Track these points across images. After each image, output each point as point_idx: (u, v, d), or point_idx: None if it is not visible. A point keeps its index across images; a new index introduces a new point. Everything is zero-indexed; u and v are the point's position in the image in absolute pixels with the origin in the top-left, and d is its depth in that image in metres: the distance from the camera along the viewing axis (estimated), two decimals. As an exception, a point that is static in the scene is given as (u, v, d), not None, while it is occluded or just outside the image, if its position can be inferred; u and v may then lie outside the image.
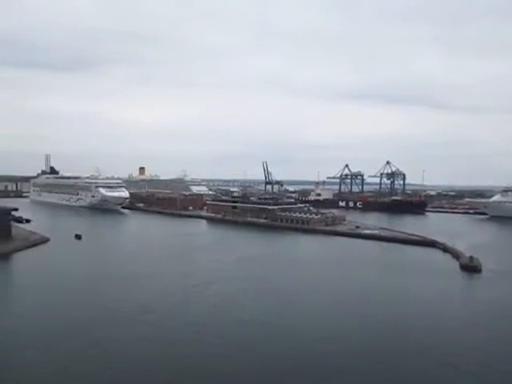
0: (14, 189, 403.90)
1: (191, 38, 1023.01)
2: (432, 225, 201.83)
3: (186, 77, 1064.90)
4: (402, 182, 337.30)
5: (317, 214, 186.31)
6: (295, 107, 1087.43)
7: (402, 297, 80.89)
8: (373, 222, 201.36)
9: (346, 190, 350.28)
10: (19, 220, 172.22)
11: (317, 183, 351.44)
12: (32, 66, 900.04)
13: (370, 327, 63.39)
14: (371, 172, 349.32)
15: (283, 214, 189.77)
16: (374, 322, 65.59)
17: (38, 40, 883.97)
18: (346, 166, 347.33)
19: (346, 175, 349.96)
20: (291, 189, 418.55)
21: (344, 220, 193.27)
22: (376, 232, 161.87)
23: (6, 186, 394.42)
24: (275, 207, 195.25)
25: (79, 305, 71.50)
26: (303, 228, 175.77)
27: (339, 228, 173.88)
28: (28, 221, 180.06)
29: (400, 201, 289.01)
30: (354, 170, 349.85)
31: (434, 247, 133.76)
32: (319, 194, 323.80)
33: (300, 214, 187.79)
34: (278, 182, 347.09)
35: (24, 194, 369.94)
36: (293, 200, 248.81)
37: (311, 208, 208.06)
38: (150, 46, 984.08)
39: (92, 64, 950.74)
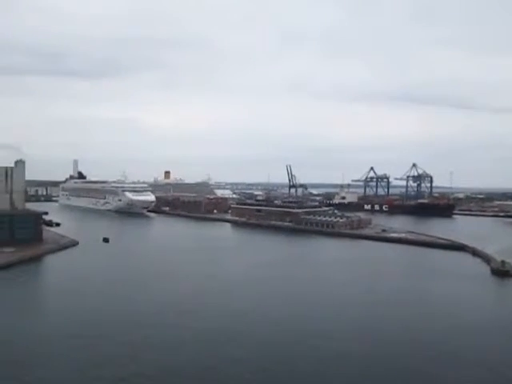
0: (44, 193, 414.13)
1: (216, 42, 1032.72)
2: (460, 228, 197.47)
3: (212, 81, 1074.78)
4: (428, 185, 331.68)
5: (342, 218, 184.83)
6: (319, 110, 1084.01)
7: (431, 302, 79.39)
8: (399, 225, 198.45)
9: (371, 192, 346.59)
10: (49, 223, 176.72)
11: (341, 186, 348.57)
12: (60, 73, 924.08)
13: (406, 332, 62.55)
14: (397, 174, 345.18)
15: (308, 217, 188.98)
16: (410, 326, 64.72)
17: (65, 48, 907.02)
18: (371, 168, 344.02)
19: (371, 178, 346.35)
20: (315, 192, 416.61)
21: (370, 223, 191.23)
22: (403, 235, 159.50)
23: (37, 191, 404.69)
24: (299, 210, 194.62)
25: (110, 304, 73.07)
26: (328, 231, 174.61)
27: (365, 231, 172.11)
28: (58, 224, 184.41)
29: (427, 204, 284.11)
30: (380, 172, 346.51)
31: (463, 251, 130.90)
32: (344, 197, 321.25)
33: (325, 217, 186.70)
34: (301, 185, 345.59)
35: (53, 199, 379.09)
36: (317, 203, 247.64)
37: (336, 211, 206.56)
38: (176, 52, 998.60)
39: (119, 71, 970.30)
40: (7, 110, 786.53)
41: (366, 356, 53.94)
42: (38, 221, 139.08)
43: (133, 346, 55.98)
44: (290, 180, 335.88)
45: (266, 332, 62.23)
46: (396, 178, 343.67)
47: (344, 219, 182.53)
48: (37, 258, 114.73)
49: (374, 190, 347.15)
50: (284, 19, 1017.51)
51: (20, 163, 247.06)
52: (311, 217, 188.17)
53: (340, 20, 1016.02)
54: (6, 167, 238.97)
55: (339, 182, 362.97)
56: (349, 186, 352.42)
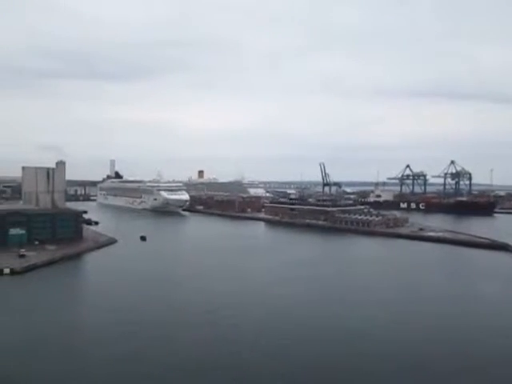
0: (83, 193, 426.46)
1: (245, 43, 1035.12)
2: (502, 227, 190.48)
3: (242, 81, 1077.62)
4: (467, 182, 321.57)
5: (377, 216, 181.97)
6: (353, 107, 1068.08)
7: (473, 304, 76.94)
8: (437, 224, 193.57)
9: (408, 190, 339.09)
10: (88, 222, 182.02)
11: (376, 184, 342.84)
12: (94, 77, 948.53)
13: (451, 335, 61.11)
14: (434, 172, 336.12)
15: (342, 215, 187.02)
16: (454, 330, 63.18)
17: (98, 53, 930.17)
18: (407, 166, 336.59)
19: (408, 176, 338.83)
20: (349, 190, 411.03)
21: (406, 222, 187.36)
22: (441, 234, 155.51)
23: (76, 191, 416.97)
24: (334, 209, 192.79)
25: (149, 301, 74.63)
26: (363, 230, 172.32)
27: (401, 230, 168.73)
28: (96, 223, 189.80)
29: (466, 202, 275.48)
30: (416, 170, 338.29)
31: (506, 251, 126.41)
32: (379, 196, 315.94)
33: (360, 215, 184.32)
34: (335, 184, 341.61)
35: (91, 198, 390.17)
36: (351, 201, 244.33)
37: (371, 209, 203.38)
38: (206, 53, 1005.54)
39: (150, 73, 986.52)
40: (47, 113, 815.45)
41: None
42: (78, 219, 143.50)
43: (166, 341, 57.05)
44: (323, 178, 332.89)
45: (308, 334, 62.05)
46: (433, 176, 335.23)
47: (379, 218, 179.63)
48: (78, 256, 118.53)
49: (410, 187, 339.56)
50: (310, 18, 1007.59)
51: (61, 164, 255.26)
52: (346, 215, 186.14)
53: (367, 17, 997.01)
54: (48, 168, 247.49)
55: (374, 180, 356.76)
56: (384, 184, 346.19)
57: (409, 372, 49.55)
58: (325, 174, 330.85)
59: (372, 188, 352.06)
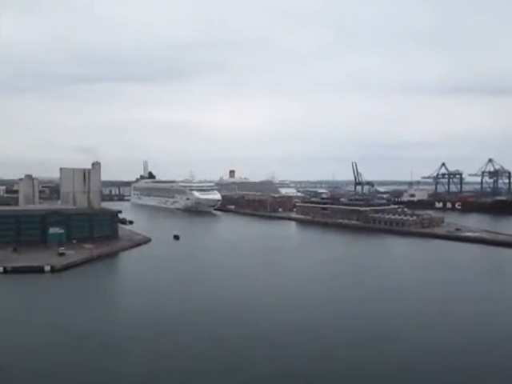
0: (117, 193, 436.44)
1: (275, 43, 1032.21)
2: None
3: (273, 81, 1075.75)
4: (506, 181, 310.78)
5: (412, 216, 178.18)
6: (384, 105, 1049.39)
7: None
8: (474, 224, 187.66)
9: (443, 190, 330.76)
10: (123, 221, 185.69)
11: (410, 183, 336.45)
12: (127, 80, 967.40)
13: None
14: (471, 171, 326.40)
15: (376, 215, 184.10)
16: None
17: (130, 56, 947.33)
18: (443, 164, 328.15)
19: (443, 174, 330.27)
20: (382, 189, 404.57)
21: (442, 222, 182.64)
22: (479, 235, 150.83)
23: (110, 191, 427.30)
24: (367, 208, 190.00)
25: (184, 299, 75.52)
26: (397, 230, 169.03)
27: (437, 230, 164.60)
28: (131, 222, 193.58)
29: (505, 201, 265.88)
30: (452, 168, 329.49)
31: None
32: (413, 195, 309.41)
33: (394, 215, 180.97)
34: (368, 183, 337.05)
35: (125, 198, 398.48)
36: (384, 201, 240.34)
37: (405, 209, 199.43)
38: (237, 53, 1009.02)
39: (182, 75, 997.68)
40: (82, 116, 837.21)
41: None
42: (113, 219, 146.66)
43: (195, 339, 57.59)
44: (355, 177, 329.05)
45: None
46: (470, 174, 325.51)
47: (414, 217, 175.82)
48: (114, 254, 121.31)
49: (446, 187, 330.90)
50: (337, 16, 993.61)
51: (96, 165, 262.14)
52: (379, 215, 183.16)
53: (394, 13, 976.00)
54: (84, 169, 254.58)
55: (407, 179, 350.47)
56: (418, 183, 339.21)
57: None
58: (357, 173, 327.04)
59: (405, 187, 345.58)
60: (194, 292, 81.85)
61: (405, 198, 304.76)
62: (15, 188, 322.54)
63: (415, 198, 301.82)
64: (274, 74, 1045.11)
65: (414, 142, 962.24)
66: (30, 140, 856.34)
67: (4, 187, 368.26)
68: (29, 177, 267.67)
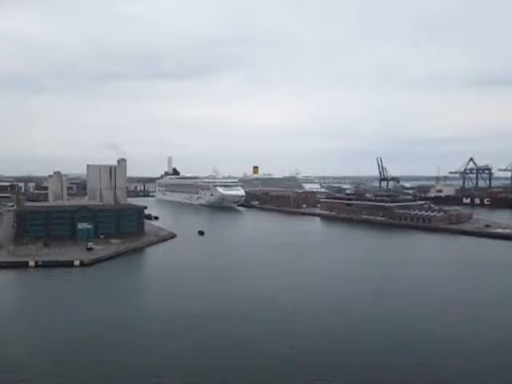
0: (142, 189, 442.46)
1: (299, 37, 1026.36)
2: None
3: (297, 75, 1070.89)
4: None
5: (439, 212, 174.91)
6: (410, 99, 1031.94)
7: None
8: (504, 220, 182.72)
9: (471, 185, 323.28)
10: (149, 217, 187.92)
11: (437, 179, 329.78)
12: (154, 76, 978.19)
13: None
14: (501, 165, 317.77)
15: (402, 211, 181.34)
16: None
17: (158, 53, 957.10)
18: (471, 159, 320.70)
19: (471, 169, 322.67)
20: (408, 185, 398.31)
21: (470, 218, 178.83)
22: (509, 231, 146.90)
23: (136, 187, 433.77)
24: (393, 204, 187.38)
25: (209, 293, 76.06)
26: (424, 226, 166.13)
27: (465, 226, 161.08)
28: (156, 218, 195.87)
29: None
30: (480, 163, 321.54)
31: None
32: (440, 191, 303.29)
33: (420, 211, 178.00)
34: (393, 179, 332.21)
35: (150, 194, 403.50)
36: (410, 197, 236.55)
37: (432, 205, 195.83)
38: (260, 49, 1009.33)
39: (207, 71, 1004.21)
40: (109, 112, 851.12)
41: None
42: (140, 215, 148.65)
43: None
44: (380, 173, 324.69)
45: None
46: (500, 169, 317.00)
47: (441, 213, 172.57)
48: (140, 249, 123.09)
49: (474, 182, 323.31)
50: (362, 7, 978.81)
51: (122, 161, 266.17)
52: (406, 211, 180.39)
53: (421, 4, 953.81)
54: (111, 166, 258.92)
55: (434, 174, 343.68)
56: (445, 178, 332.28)
57: None
58: (382, 169, 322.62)
59: (432, 182, 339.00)
60: (219, 287, 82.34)
61: (431, 194, 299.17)
62: (44, 184, 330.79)
63: (442, 194, 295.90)
64: (297, 69, 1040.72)
65: (440, 137, 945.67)
66: (58, 137, 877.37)
67: (34, 184, 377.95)
68: (57, 174, 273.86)
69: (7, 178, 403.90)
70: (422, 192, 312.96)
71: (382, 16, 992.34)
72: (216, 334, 58.61)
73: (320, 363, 49.81)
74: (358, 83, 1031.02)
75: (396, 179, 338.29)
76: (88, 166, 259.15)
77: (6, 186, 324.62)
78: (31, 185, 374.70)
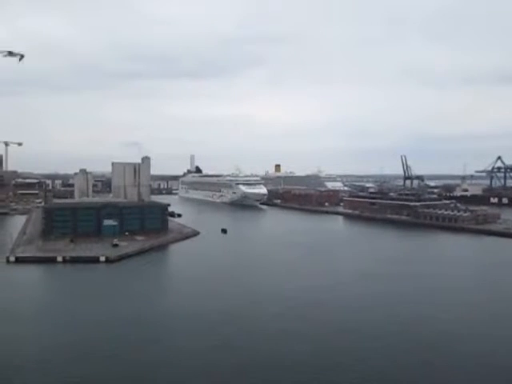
0: (165, 186, 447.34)
1: (320, 35, 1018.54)
2: None
3: (318, 74, 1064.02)
4: None
5: (465, 212, 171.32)
6: (435, 96, 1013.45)
7: None
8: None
9: (499, 184, 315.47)
10: (172, 215, 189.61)
11: (463, 177, 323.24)
12: (173, 76, 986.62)
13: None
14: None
15: (427, 210, 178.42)
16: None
17: (177, 52, 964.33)
18: (499, 158, 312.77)
19: (499, 168, 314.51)
20: (432, 184, 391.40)
21: (498, 218, 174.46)
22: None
23: (159, 185, 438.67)
24: (418, 203, 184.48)
25: (233, 291, 76.45)
26: (450, 226, 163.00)
27: (493, 227, 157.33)
28: (179, 215, 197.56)
29: None
30: (508, 162, 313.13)
31: None
32: (466, 190, 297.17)
33: (446, 210, 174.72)
34: (418, 177, 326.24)
35: (173, 191, 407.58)
36: (435, 196, 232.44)
37: (458, 204, 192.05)
38: (280, 47, 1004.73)
39: (226, 69, 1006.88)
40: (133, 111, 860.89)
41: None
42: (164, 212, 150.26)
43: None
44: (404, 171, 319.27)
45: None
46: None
47: (468, 213, 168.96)
48: (164, 246, 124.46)
49: (502, 181, 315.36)
50: (387, 5, 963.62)
51: (146, 159, 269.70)
52: (431, 210, 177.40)
53: (447, 2, 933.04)
54: (135, 163, 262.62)
55: (460, 173, 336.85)
56: (471, 177, 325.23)
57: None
58: (406, 167, 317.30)
59: (457, 181, 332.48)
60: (243, 285, 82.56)
61: (457, 193, 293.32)
62: (70, 182, 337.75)
63: (468, 193, 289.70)
64: (319, 67, 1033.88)
65: (467, 135, 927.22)
66: (83, 135, 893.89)
67: (60, 181, 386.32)
68: (83, 171, 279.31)
69: (35, 175, 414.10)
70: (447, 191, 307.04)
71: (408, 12, 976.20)
72: (241, 332, 58.79)
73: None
74: (382, 81, 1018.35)
75: (420, 178, 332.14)
76: (113, 163, 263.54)
77: (34, 184, 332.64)
78: (58, 182, 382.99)
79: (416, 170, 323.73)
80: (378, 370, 47.62)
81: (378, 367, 48.34)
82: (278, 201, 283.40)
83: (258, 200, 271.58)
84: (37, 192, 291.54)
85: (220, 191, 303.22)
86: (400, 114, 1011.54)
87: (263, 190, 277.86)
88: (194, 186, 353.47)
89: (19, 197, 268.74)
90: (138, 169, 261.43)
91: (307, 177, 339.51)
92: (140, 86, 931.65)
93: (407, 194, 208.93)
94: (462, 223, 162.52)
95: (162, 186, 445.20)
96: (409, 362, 49.76)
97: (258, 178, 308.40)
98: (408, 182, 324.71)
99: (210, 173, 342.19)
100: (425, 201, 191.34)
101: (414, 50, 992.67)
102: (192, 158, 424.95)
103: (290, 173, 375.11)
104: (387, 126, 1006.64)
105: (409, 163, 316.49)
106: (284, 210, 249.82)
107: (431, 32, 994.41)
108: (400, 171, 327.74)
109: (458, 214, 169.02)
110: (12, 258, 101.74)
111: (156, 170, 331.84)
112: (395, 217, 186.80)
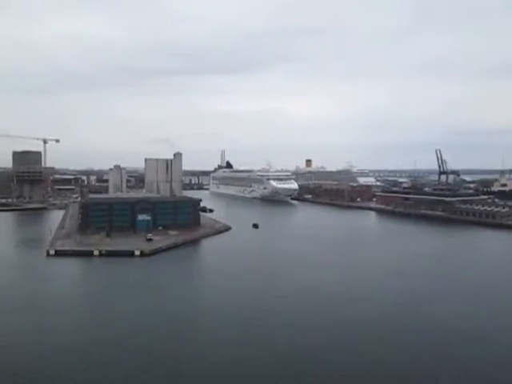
0: (196, 182, 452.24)
1: (350, 28, 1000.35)
2: None
3: (349, 66, 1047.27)
4: None
5: (504, 207, 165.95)
6: (470, 88, 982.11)
7: None
8: None
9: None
10: (204, 210, 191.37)
11: (502, 172, 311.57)
12: (201, 71, 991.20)
13: None
14: None
15: (463, 206, 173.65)
16: None
17: (206, 48, 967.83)
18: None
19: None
20: (468, 179, 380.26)
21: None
22: None
23: (190, 180, 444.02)
24: (454, 199, 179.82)
25: (265, 287, 76.43)
26: (488, 222, 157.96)
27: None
28: (211, 210, 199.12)
29: None
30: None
31: None
32: (505, 185, 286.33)
33: (483, 206, 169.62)
34: (453, 172, 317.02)
35: (204, 187, 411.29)
36: (471, 191, 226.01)
37: (496, 200, 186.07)
38: (310, 40, 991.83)
39: (256, 64, 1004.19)
40: (162, 108, 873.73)
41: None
42: (196, 207, 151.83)
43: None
44: (439, 166, 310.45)
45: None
46: None
47: (507, 209, 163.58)
48: (197, 241, 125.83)
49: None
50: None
51: (178, 155, 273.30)
52: (467, 206, 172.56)
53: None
54: (167, 159, 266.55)
55: (498, 167, 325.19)
56: (510, 171, 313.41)
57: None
58: (441, 162, 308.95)
59: (495, 176, 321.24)
60: (275, 281, 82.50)
61: (495, 188, 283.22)
62: (105, 177, 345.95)
63: (507, 188, 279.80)
64: (349, 60, 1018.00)
65: (504, 128, 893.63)
66: (116, 132, 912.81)
67: (95, 177, 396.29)
68: (117, 167, 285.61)
69: (71, 171, 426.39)
70: (484, 186, 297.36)
71: (438, 3, 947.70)
72: (277, 327, 58.74)
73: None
74: (415, 73, 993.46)
75: (456, 172, 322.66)
76: (146, 159, 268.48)
77: (71, 179, 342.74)
78: (92, 178, 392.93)
79: (451, 165, 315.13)
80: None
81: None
82: (309, 196, 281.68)
83: (288, 195, 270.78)
84: (73, 187, 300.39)
85: (251, 186, 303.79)
86: (433, 106, 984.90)
87: (294, 185, 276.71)
88: (224, 181, 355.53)
89: (57, 192, 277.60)
90: (170, 164, 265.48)
91: (338, 172, 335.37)
92: (172, 83, 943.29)
93: (442, 189, 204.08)
94: (500, 219, 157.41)
95: (193, 182, 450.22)
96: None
97: (289, 173, 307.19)
98: (443, 176, 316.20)
99: (241, 168, 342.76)
100: (461, 196, 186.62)
101: (449, 41, 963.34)
102: (223, 153, 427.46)
103: (321, 168, 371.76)
104: (419, 120, 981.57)
105: (444, 157, 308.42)
106: (315, 206, 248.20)
107: (466, 22, 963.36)
108: (434, 166, 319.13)
109: (496, 209, 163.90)
110: (52, 252, 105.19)
111: (187, 165, 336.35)
112: (430, 212, 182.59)
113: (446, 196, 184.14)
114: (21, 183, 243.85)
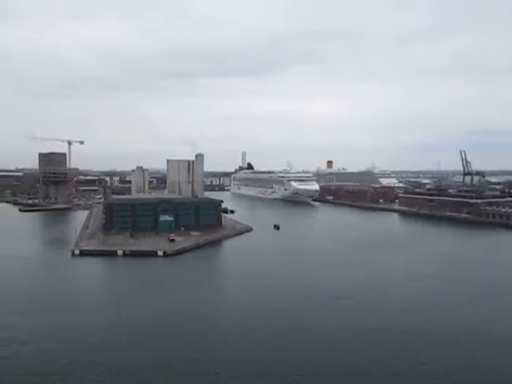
0: (218, 183, 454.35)
1: (371, 29, 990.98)
2: None
3: (370, 68, 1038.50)
4: None
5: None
6: (492, 88, 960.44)
7: None
8: None
9: None
10: (225, 211, 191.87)
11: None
12: (221, 74, 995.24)
13: None
14: None
15: (489, 208, 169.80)
16: None
17: (227, 50, 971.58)
18: None
19: None
20: (494, 180, 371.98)
21: None
22: None
23: (212, 181, 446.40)
24: (479, 201, 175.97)
25: (287, 289, 76.21)
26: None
27: None
28: (232, 211, 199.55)
29: None
30: None
31: None
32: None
33: (510, 208, 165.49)
34: (478, 173, 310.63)
35: (225, 188, 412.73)
36: (498, 192, 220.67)
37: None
38: (329, 42, 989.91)
39: (276, 66, 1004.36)
40: (186, 109, 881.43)
41: None
42: (217, 208, 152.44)
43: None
44: (464, 167, 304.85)
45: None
46: None
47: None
48: (218, 242, 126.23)
49: None
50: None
51: (199, 156, 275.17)
52: (494, 208, 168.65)
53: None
54: (189, 160, 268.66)
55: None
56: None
57: None
58: (466, 162, 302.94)
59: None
60: (297, 282, 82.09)
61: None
62: (128, 178, 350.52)
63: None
64: (370, 61, 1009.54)
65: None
66: (138, 134, 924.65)
67: (118, 178, 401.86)
68: (140, 168, 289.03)
69: (94, 172, 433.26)
70: (511, 187, 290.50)
71: (459, 3, 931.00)
72: (298, 328, 58.53)
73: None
74: (436, 73, 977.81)
75: (481, 173, 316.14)
76: (168, 160, 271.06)
77: (94, 180, 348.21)
78: (115, 179, 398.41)
79: (476, 166, 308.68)
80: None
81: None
82: (331, 197, 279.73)
83: (309, 196, 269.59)
84: (97, 188, 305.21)
85: (272, 187, 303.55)
86: (456, 107, 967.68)
87: (315, 187, 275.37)
88: (245, 182, 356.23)
89: (81, 193, 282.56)
90: (192, 166, 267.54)
91: (360, 173, 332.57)
92: (192, 85, 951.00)
93: (467, 191, 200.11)
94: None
95: (214, 183, 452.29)
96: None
97: (310, 175, 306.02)
98: (468, 177, 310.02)
99: (262, 169, 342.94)
100: (487, 198, 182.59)
101: (469, 41, 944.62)
102: (244, 154, 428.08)
103: (343, 169, 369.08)
104: (443, 120, 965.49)
105: (468, 158, 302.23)
106: (336, 207, 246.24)
107: (486, 22, 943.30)
108: (458, 167, 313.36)
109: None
110: (77, 251, 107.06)
111: (208, 166, 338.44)
112: (455, 214, 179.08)
113: (471, 198, 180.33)
114: (47, 184, 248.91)
